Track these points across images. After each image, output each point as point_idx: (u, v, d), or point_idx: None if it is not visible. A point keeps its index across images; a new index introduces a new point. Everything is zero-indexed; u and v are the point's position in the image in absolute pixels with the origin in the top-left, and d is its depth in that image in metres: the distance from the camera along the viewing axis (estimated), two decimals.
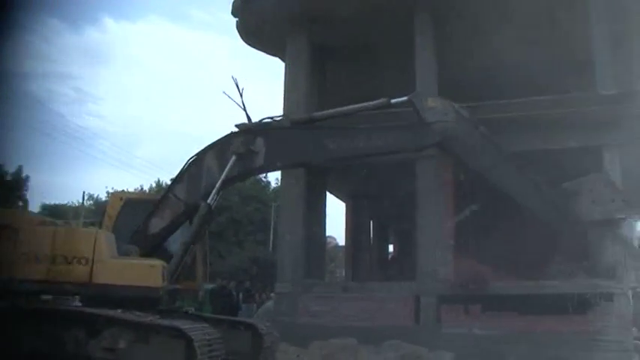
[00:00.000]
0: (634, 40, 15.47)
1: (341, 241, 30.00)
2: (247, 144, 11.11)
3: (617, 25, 14.59)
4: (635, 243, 12.16)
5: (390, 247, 29.29)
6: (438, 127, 10.88)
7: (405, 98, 11.30)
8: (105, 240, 9.93)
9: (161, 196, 12.00)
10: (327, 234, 21.91)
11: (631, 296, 12.89)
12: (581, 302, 12.83)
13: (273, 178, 36.50)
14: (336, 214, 23.30)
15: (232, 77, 11.70)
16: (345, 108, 11.79)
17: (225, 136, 11.62)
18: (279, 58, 17.51)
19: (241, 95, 11.93)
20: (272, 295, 21.75)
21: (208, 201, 10.98)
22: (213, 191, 11.04)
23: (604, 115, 13.58)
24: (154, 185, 39.80)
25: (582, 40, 14.67)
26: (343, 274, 27.30)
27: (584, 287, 12.79)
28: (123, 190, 18.83)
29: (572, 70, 15.39)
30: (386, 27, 15.72)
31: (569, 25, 15.03)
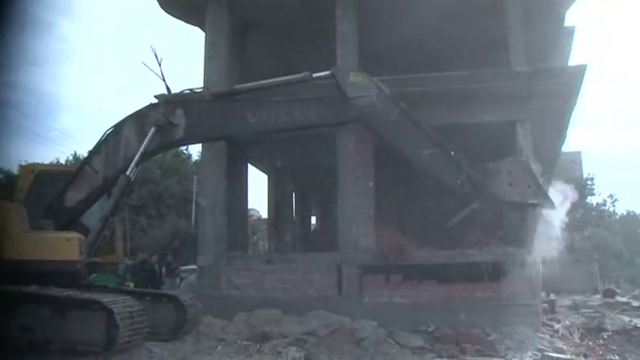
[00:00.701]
0: (546, 17, 16.08)
1: (264, 213, 30.05)
2: (167, 116, 10.92)
3: (530, 2, 15.08)
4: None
5: (313, 219, 29.56)
6: (358, 102, 10.97)
7: (327, 72, 11.33)
8: (15, 214, 9.57)
9: (77, 168, 11.64)
10: (250, 207, 21.87)
11: (540, 263, 13.58)
12: (495, 270, 13.43)
13: (195, 150, 35.92)
14: (258, 187, 23.28)
15: (151, 47, 11.43)
16: (266, 81, 11.73)
17: (145, 108, 11.35)
18: (200, 28, 17.10)
19: (160, 65, 11.67)
20: (182, 268, 21.59)
21: (127, 173, 10.74)
22: (132, 163, 10.81)
23: (517, 91, 14.10)
24: (70, 158, 38.27)
25: (497, 17, 15.11)
26: (266, 246, 27.40)
27: (499, 256, 13.38)
28: (35, 162, 18.10)
29: (487, 46, 15.84)
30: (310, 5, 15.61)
31: (484, 2, 15.39)
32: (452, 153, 11.30)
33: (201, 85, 15.12)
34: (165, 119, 10.88)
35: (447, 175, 11.48)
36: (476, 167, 11.45)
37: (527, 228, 13.23)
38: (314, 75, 11.24)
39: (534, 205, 11.59)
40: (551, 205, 11.42)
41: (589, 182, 43.81)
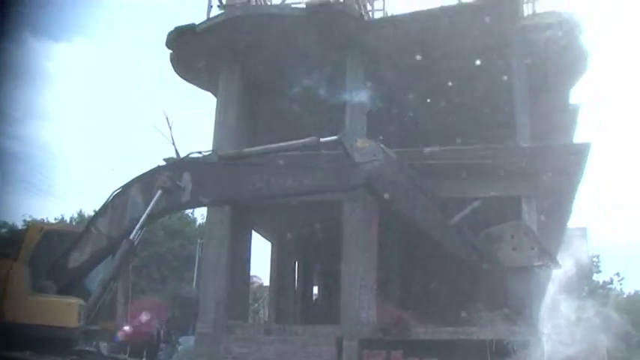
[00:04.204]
0: (551, 95, 16.35)
1: (266, 280, 29.72)
2: (174, 179, 10.94)
3: (536, 79, 15.38)
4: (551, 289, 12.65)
5: (315, 289, 29.19)
6: (366, 168, 11.03)
7: (334, 138, 11.43)
8: (17, 274, 9.47)
9: (83, 228, 11.61)
10: (252, 273, 21.67)
11: (545, 342, 13.30)
12: (499, 348, 13.14)
13: (199, 213, 35.93)
14: (261, 253, 23.08)
15: (163, 111, 11.59)
16: (274, 145, 11.82)
17: (152, 170, 11.41)
18: (212, 92, 17.41)
19: (171, 129, 11.81)
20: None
21: (132, 236, 10.69)
22: (137, 226, 10.77)
23: (523, 167, 14.17)
24: (75, 215, 38.31)
25: (504, 93, 15.37)
26: (267, 314, 27.02)
27: (503, 334, 13.11)
28: (43, 220, 18.14)
29: (494, 121, 16.05)
30: (318, 68, 15.89)
31: (492, 79, 15.68)
32: (455, 220, 11.30)
33: (210, 147, 15.33)
34: (171, 182, 10.90)
35: (452, 241, 11.44)
36: (479, 234, 11.43)
37: (533, 301, 13.01)
38: (321, 140, 11.32)
39: (540, 267, 11.50)
40: (557, 264, 11.35)
41: (595, 259, 43.37)
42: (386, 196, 11.69)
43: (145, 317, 15.67)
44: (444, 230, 11.40)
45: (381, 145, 11.27)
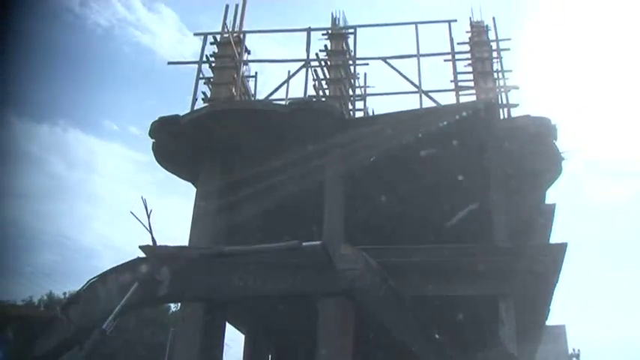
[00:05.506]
0: (527, 195, 16.67)
1: None
2: (152, 272, 10.88)
3: (512, 180, 15.70)
4: None
5: None
6: (347, 275, 11.04)
7: (317, 243, 11.46)
8: None
9: (52, 315, 11.38)
10: None
11: None
12: None
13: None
14: (235, 343, 22.54)
15: (141, 198, 11.58)
16: (255, 246, 11.87)
17: (130, 261, 11.35)
18: (192, 183, 17.46)
19: (149, 217, 11.78)
20: None
21: (104, 326, 10.47)
22: (111, 317, 10.58)
23: (499, 267, 14.22)
24: (45, 298, 37.33)
25: (481, 192, 15.65)
26: None
27: None
28: (9, 303, 17.66)
29: (472, 221, 16.21)
30: (299, 164, 16.08)
31: (469, 180, 15.97)
32: (436, 336, 11.21)
33: (187, 240, 15.21)
34: (149, 275, 10.84)
35: (429, 357, 11.27)
36: (465, 355, 11.31)
37: None
38: (304, 244, 11.33)
39: None
40: None
41: (574, 359, 42.69)
42: (365, 304, 11.62)
43: None
44: (424, 347, 11.25)
45: (364, 254, 11.32)
